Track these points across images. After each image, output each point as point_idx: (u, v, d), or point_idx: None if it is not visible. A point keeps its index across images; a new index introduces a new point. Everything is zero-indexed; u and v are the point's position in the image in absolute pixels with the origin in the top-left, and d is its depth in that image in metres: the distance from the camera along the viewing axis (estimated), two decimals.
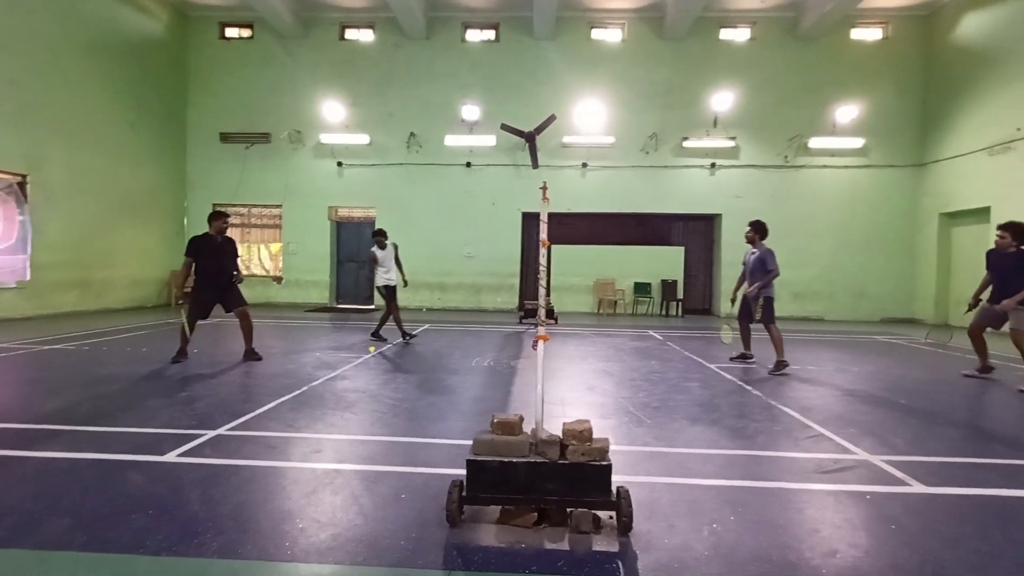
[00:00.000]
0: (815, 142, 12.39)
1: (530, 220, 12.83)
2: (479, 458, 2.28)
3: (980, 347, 5.56)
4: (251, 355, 5.87)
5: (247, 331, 5.92)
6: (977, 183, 10.79)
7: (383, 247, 7.53)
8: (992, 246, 5.54)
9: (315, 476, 2.80)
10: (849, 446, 3.43)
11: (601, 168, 12.79)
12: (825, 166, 12.55)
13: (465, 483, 2.29)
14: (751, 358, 6.29)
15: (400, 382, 5.02)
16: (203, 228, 5.86)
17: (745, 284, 6.00)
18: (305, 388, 4.67)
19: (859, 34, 12.54)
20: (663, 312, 12.74)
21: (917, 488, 2.78)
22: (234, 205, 13.11)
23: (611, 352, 6.99)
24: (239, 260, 6.06)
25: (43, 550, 2.02)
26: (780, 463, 3.15)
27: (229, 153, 13.15)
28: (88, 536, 2.11)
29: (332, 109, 12.69)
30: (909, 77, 12.38)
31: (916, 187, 12.38)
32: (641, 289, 12.91)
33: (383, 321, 7.63)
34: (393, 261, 7.58)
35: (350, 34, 13.17)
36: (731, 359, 6.38)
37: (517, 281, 13.05)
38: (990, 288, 5.47)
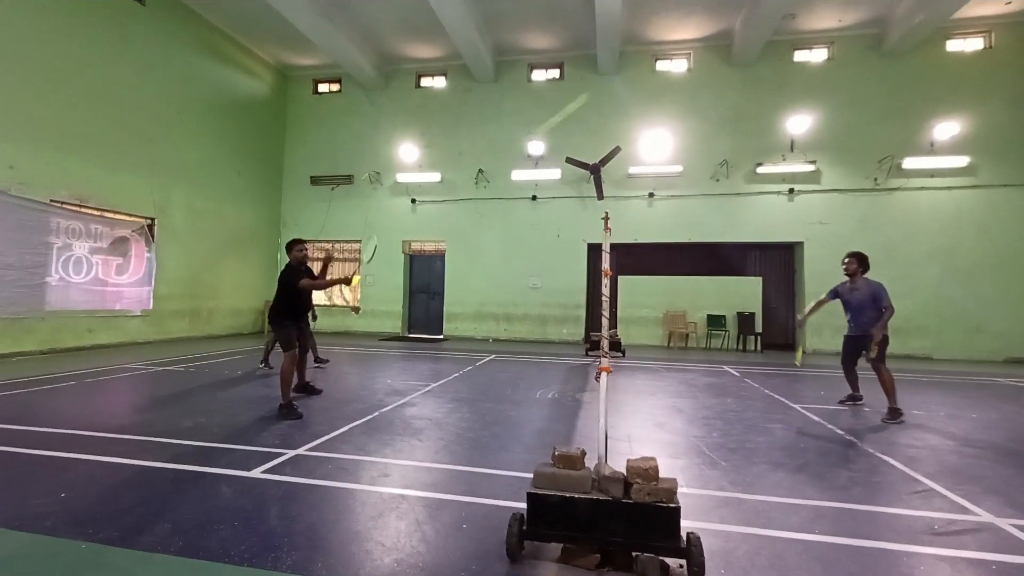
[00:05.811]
0: (910, 162, 11.38)
1: (595, 251, 12.73)
2: (539, 491, 2.24)
3: None
4: (308, 388, 5.79)
5: (301, 365, 5.80)
6: None
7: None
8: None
9: (382, 500, 2.91)
10: (968, 505, 3.01)
11: (669, 197, 12.53)
12: (923, 187, 11.46)
13: (525, 517, 2.25)
14: (860, 399, 5.89)
15: (465, 411, 5.11)
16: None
17: (850, 321, 5.82)
18: (376, 414, 4.89)
19: (956, 45, 11.55)
20: (740, 347, 11.99)
21: None
22: (319, 241, 14.26)
23: (682, 388, 6.67)
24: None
25: (148, 551, 2.25)
26: (880, 520, 2.81)
27: (317, 194, 14.43)
28: (184, 542, 2.33)
29: (407, 150, 13.60)
30: (1021, 87, 11.14)
31: None
32: (715, 322, 12.28)
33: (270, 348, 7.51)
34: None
35: (425, 82, 14.18)
36: (839, 402, 5.90)
37: (583, 313, 12.92)
38: None
